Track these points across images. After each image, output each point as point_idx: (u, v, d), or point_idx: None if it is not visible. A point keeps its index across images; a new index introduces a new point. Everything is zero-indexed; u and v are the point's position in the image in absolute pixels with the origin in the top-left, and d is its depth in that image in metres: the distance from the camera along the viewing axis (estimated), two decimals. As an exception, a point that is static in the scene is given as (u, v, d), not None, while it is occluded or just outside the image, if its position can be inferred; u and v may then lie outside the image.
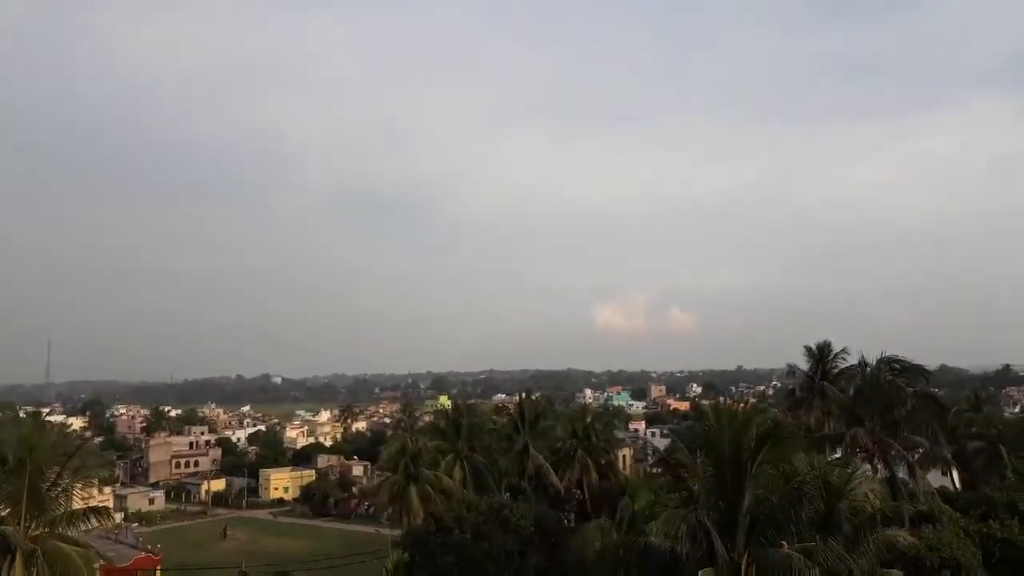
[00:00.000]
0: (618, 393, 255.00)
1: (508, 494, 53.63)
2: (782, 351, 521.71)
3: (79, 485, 31.00)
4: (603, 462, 64.89)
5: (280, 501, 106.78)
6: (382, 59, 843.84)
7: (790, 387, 54.43)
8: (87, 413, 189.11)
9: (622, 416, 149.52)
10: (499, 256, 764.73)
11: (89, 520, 30.51)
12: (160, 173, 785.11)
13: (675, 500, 28.69)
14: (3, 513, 29.49)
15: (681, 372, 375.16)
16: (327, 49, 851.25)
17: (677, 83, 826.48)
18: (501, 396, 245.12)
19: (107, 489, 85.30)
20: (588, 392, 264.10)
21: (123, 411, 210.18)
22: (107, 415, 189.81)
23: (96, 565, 31.28)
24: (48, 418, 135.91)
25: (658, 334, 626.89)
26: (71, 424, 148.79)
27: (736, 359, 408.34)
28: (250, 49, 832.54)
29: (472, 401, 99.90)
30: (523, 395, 62.06)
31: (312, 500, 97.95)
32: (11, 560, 28.50)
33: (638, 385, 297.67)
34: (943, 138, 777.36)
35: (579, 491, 63.94)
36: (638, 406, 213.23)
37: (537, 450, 58.40)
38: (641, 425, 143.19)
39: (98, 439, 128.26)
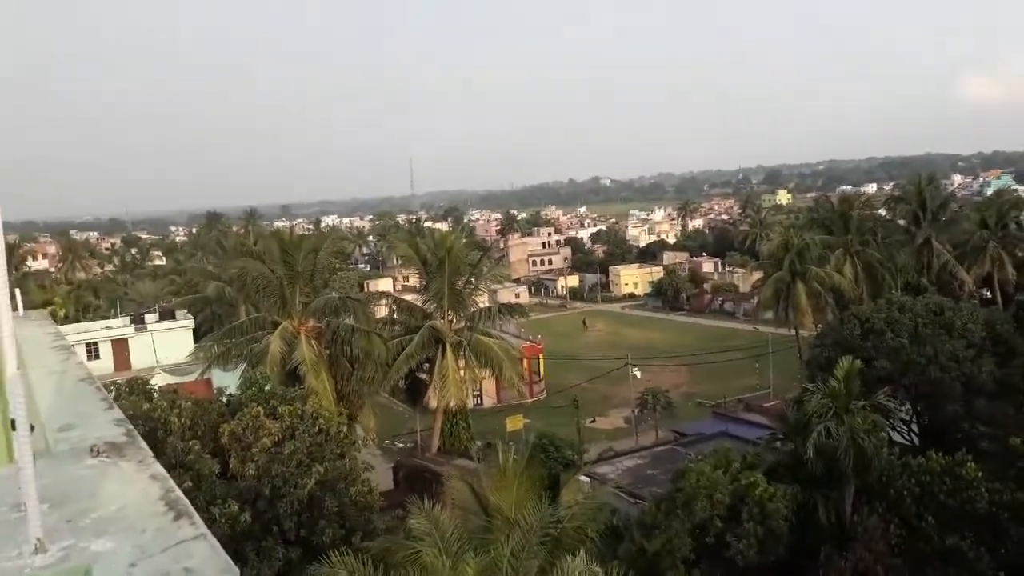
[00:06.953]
0: (997, 177, 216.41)
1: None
2: None
3: (487, 284, 32.53)
4: (1021, 255, 54.77)
5: (630, 296, 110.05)
6: None
7: None
8: (448, 219, 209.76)
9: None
10: (822, 29, 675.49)
11: (505, 316, 32.11)
12: None
13: None
14: (431, 309, 32.11)
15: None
16: None
17: None
18: (846, 188, 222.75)
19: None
20: (956, 178, 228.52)
21: (478, 216, 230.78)
22: (465, 220, 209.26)
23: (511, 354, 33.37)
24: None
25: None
26: (440, 229, 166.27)
27: None
28: None
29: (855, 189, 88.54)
30: (922, 179, 53.15)
31: (664, 295, 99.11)
32: (442, 350, 31.19)
33: (1022, 167, 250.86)
34: None
35: (987, 289, 55.25)
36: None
37: (940, 243, 50.43)
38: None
39: (462, 241, 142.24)
